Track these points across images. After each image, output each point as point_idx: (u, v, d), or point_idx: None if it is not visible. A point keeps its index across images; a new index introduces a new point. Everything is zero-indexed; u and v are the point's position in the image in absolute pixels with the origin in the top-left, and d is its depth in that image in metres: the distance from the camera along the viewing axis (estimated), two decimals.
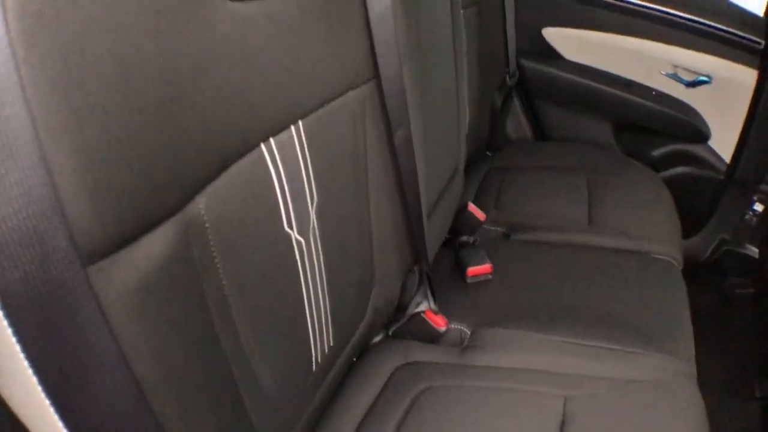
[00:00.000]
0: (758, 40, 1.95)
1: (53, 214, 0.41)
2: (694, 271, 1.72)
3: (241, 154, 0.66)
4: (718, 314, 1.94)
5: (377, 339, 1.19)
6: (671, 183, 2.01)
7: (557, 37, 2.18)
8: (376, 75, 0.93)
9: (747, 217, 1.96)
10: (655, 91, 2.11)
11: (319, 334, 0.86)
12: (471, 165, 1.90)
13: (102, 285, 0.46)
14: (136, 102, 0.49)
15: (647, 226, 1.57)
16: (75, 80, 0.43)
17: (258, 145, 0.69)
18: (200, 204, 0.59)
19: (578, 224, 1.59)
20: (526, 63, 2.19)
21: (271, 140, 0.71)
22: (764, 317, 1.86)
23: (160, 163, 0.52)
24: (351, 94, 0.88)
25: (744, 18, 2.04)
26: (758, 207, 1.95)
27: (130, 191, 0.48)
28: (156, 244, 0.52)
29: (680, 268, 1.45)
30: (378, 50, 0.91)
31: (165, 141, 0.53)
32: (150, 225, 0.52)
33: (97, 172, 0.45)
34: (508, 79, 2.10)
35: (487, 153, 2.10)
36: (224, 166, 0.63)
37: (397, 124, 0.97)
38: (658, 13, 2.05)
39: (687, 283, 1.36)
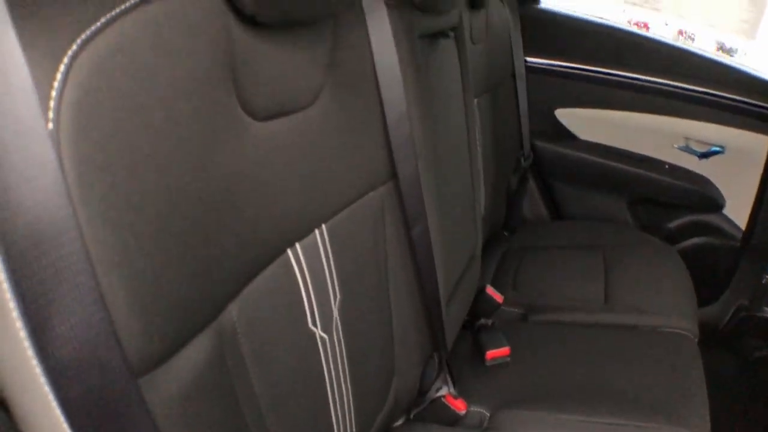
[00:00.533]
0: None
1: (109, 336, 0.46)
2: (713, 338, 1.73)
3: (269, 261, 0.71)
4: (737, 378, 1.94)
5: (399, 423, 1.22)
6: (688, 253, 2.04)
7: (570, 117, 2.24)
8: (394, 175, 0.99)
9: (765, 281, 1.95)
10: (668, 164, 2.15)
11: (342, 424, 0.90)
12: (488, 246, 1.95)
13: (149, 394, 0.51)
14: (179, 229, 0.55)
15: (662, 300, 1.60)
16: (125, 218, 0.49)
17: (285, 251, 0.74)
18: (233, 311, 0.64)
19: (594, 303, 1.62)
20: (540, 144, 2.25)
21: (297, 245, 0.76)
22: None
23: (198, 281, 0.57)
24: (370, 194, 0.94)
25: (754, 84, 2.07)
26: None
27: (172, 309, 0.54)
28: (194, 354, 0.57)
29: (696, 339, 1.48)
30: (395, 152, 0.97)
31: (203, 260, 0.58)
32: (190, 336, 0.57)
33: (144, 296, 0.50)
34: (522, 161, 2.17)
35: (504, 233, 2.15)
36: (254, 273, 0.68)
37: (414, 221, 1.03)
38: (667, 88, 2.10)
39: (705, 350, 1.39)
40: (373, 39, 0.92)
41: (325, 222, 0.82)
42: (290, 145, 0.73)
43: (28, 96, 0.42)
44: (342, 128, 0.85)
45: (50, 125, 0.44)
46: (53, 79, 0.44)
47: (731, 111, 2.04)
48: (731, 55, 2.82)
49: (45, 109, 0.44)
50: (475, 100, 1.65)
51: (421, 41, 1.11)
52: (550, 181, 2.33)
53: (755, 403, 1.85)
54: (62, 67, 0.45)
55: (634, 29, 2.32)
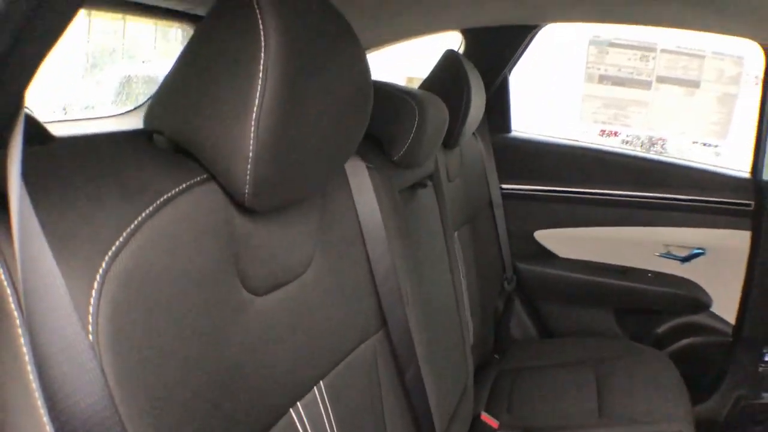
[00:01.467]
0: (747, 202, 2.09)
1: None
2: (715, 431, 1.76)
3: (273, 423, 0.77)
4: None
5: None
6: (679, 355, 2.07)
7: (549, 238, 2.32)
8: (384, 325, 1.06)
9: (761, 369, 1.98)
10: (651, 272, 2.22)
11: None
12: (480, 370, 1.98)
13: None
14: (192, 404, 0.61)
15: (655, 407, 1.64)
16: (155, 408, 0.56)
17: (287, 411, 0.80)
18: None
19: (589, 418, 1.65)
20: (523, 266, 2.32)
21: (299, 404, 0.82)
22: None
23: None
24: (363, 345, 1.01)
25: (728, 183, 2.17)
26: None
27: None
28: None
29: None
30: (384, 303, 1.04)
31: (213, 427, 0.64)
32: None
33: None
34: (506, 284, 2.24)
35: (495, 356, 2.19)
36: None
37: (407, 365, 1.09)
38: (643, 200, 2.20)
39: None
40: (357, 200, 1.01)
41: (323, 378, 0.89)
42: (288, 313, 0.81)
43: (70, 313, 0.49)
44: (333, 288, 0.93)
45: (90, 337, 0.52)
46: (89, 296, 0.53)
47: (709, 212, 2.13)
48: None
49: (85, 323, 0.52)
50: (456, 233, 1.75)
51: (401, 194, 1.21)
52: (536, 301, 2.38)
53: None
54: (96, 285, 0.53)
55: (604, 146, 2.45)
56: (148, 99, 1.33)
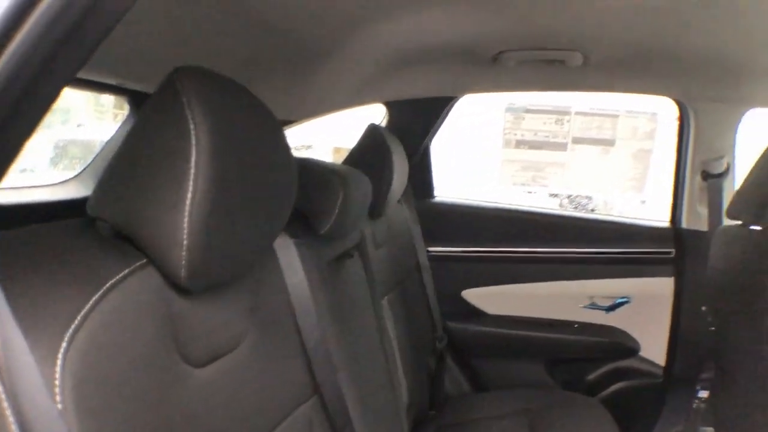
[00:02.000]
0: (668, 250, 2.23)
1: None
2: None
3: None
4: None
5: None
6: (613, 399, 2.16)
7: (477, 296, 2.41)
8: (317, 390, 1.11)
9: (695, 405, 2.02)
10: (578, 323, 2.32)
11: None
12: (417, 428, 2.03)
13: None
14: None
15: None
16: None
17: None
18: None
19: None
20: (453, 325, 2.40)
21: None
22: None
23: None
24: (297, 412, 1.06)
25: (651, 232, 2.31)
26: (703, 393, 2.02)
27: None
28: None
29: None
30: (316, 370, 1.10)
31: None
32: None
33: None
34: (438, 343, 2.31)
35: (431, 412, 2.23)
36: None
37: (341, 427, 1.15)
38: (566, 255, 2.32)
39: None
40: (287, 275, 1.08)
41: None
42: (225, 383, 0.87)
43: (40, 387, 0.55)
44: (267, 359, 0.99)
45: (59, 406, 0.59)
46: (54, 372, 0.60)
47: (632, 263, 2.26)
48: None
49: (53, 394, 0.59)
50: (385, 298, 1.82)
51: (329, 266, 1.28)
52: (468, 357, 2.46)
53: None
54: (59, 362, 0.60)
55: (524, 207, 2.58)
56: (86, 166, 1.38)
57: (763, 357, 1.59)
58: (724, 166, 2.21)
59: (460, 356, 2.46)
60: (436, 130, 2.41)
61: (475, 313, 2.42)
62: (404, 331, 1.97)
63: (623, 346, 2.27)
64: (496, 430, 1.96)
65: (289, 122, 1.88)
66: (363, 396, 1.29)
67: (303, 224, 1.25)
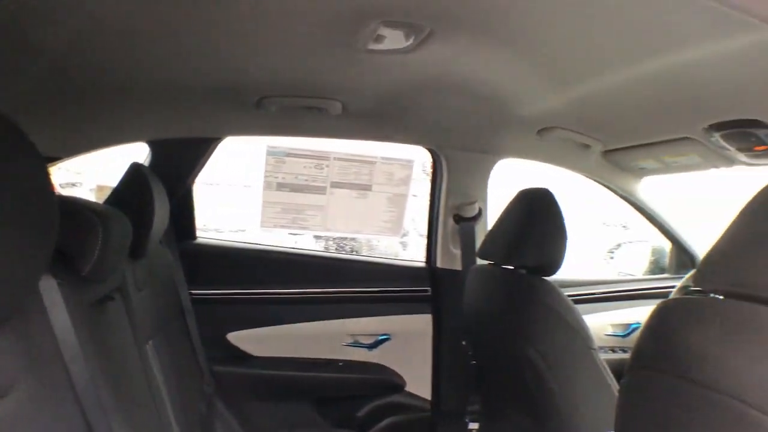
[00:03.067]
0: (425, 288, 2.37)
1: None
2: None
3: None
4: None
5: None
6: None
7: (242, 338, 2.39)
8: None
9: (469, 429, 2.17)
10: (342, 361, 2.39)
11: None
12: None
13: None
14: None
15: None
16: None
17: None
18: None
19: None
20: (220, 369, 2.35)
21: None
22: None
23: None
24: None
25: (408, 271, 2.44)
26: (473, 425, 2.18)
27: None
28: None
29: None
30: (88, 414, 1.04)
31: None
32: None
33: None
34: (205, 387, 2.26)
35: None
36: None
37: None
38: (326, 295, 2.38)
39: None
40: (52, 318, 1.02)
41: None
42: None
43: None
44: (39, 404, 0.93)
45: None
46: None
47: (391, 301, 2.38)
48: None
49: None
50: (151, 341, 1.75)
51: (93, 308, 1.22)
52: (238, 401, 2.41)
53: None
54: None
55: (287, 248, 2.63)
56: None
57: (527, 387, 1.73)
58: (476, 210, 2.43)
59: (230, 400, 2.41)
60: (199, 171, 2.38)
61: (241, 356, 2.39)
62: (172, 376, 1.90)
63: (389, 382, 2.37)
64: None
65: (56, 159, 1.80)
66: None
67: (67, 265, 1.18)
